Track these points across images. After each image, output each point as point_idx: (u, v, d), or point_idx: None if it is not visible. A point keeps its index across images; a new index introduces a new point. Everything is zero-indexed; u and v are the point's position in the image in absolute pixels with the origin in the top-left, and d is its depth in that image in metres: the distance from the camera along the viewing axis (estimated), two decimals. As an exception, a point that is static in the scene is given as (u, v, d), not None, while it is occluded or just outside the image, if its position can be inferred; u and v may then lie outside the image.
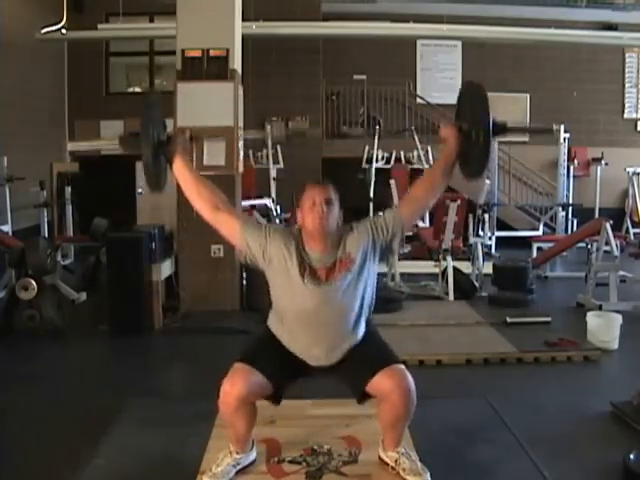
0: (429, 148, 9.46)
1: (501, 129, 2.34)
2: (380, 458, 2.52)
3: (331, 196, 2.27)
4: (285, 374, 2.38)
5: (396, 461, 2.45)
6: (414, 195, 2.41)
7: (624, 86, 11.10)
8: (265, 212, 7.40)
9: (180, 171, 2.44)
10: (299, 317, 2.32)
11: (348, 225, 2.37)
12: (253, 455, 2.54)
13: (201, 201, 2.38)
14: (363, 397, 2.39)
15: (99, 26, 8.72)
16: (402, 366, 2.32)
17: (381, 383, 2.26)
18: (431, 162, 9.33)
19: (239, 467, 2.47)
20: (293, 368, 2.40)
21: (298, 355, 2.38)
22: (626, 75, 11.09)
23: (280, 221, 7.23)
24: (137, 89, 10.92)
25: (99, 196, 8.32)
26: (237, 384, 2.25)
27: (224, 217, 2.37)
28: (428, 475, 2.40)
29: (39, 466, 2.72)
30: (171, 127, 5.26)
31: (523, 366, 4.07)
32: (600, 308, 5.19)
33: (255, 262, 2.35)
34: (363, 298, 2.36)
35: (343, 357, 2.38)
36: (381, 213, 2.40)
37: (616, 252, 5.74)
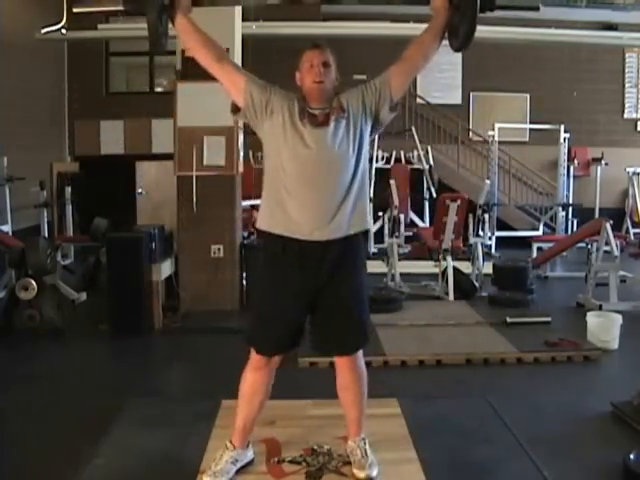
0: (429, 148, 9.47)
1: (489, 3, 2.37)
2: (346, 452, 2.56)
3: (328, 59, 2.31)
4: (293, 327, 2.40)
5: (351, 451, 2.50)
6: (404, 55, 2.42)
7: (624, 86, 11.09)
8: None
9: (183, 25, 2.42)
10: (296, 169, 2.27)
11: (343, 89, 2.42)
12: (250, 454, 2.55)
13: (206, 51, 2.39)
14: None
15: (99, 26, 8.70)
16: (355, 355, 2.45)
17: (337, 361, 2.49)
18: (431, 162, 9.36)
19: (238, 465, 2.47)
20: (296, 305, 2.36)
21: (294, 237, 2.28)
22: (626, 75, 11.08)
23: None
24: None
25: (99, 196, 8.32)
26: (266, 351, 2.38)
27: (229, 68, 2.39)
28: (374, 471, 2.43)
29: (39, 466, 2.72)
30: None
31: (523, 366, 4.07)
32: (600, 308, 5.19)
33: (255, 116, 2.33)
34: (357, 165, 2.32)
35: (338, 258, 2.30)
36: (368, 86, 2.40)
37: (616, 252, 5.74)
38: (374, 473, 2.44)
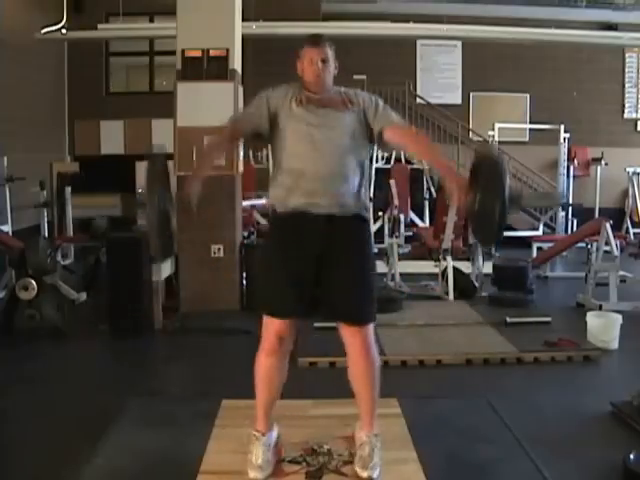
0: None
1: (516, 204, 2.38)
2: (353, 436, 2.55)
3: (327, 55, 2.44)
4: (304, 295, 2.40)
5: (360, 445, 2.48)
6: (396, 138, 2.50)
7: (624, 86, 11.10)
8: (265, 212, 7.40)
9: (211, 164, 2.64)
10: (303, 149, 2.38)
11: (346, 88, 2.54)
12: (276, 432, 2.57)
13: (233, 145, 2.80)
14: None
15: (99, 26, 8.72)
16: (366, 327, 2.43)
17: (343, 333, 2.45)
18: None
19: (271, 448, 2.50)
20: (304, 273, 2.38)
21: (302, 207, 2.36)
22: (626, 75, 11.09)
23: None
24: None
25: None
26: (277, 328, 2.40)
27: (242, 129, 2.55)
28: (375, 472, 2.41)
29: (39, 466, 2.72)
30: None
31: (523, 366, 4.07)
32: (600, 308, 5.19)
33: (270, 129, 2.47)
34: (359, 156, 2.44)
35: (342, 229, 2.38)
36: (379, 105, 2.47)
37: (616, 252, 5.73)
38: (375, 474, 2.42)
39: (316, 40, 2.45)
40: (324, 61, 2.43)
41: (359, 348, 2.43)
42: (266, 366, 2.45)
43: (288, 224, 2.42)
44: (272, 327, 2.41)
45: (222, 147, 2.63)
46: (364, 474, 2.41)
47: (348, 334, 2.44)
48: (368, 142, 2.49)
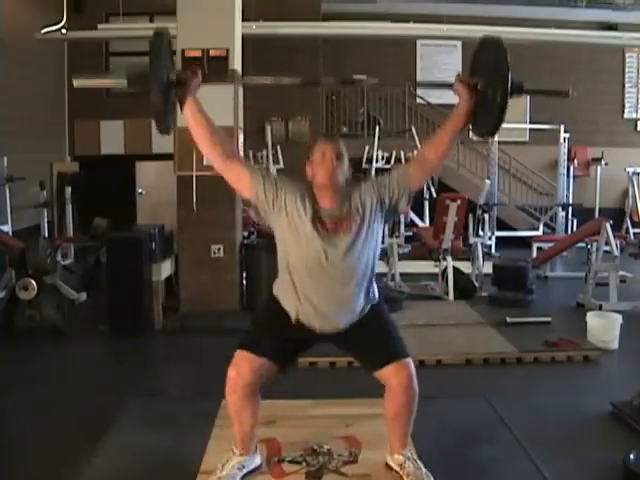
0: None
1: (518, 89, 2.28)
2: (387, 464, 2.49)
3: (341, 151, 2.29)
4: (288, 351, 2.39)
5: (401, 465, 2.43)
6: (424, 157, 2.37)
7: (624, 86, 11.10)
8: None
9: (193, 115, 2.37)
10: (306, 269, 2.28)
11: (355, 182, 2.39)
12: (258, 459, 2.52)
13: (213, 148, 2.32)
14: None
15: (99, 26, 8.72)
16: (407, 360, 2.33)
17: (385, 376, 2.32)
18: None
19: (245, 470, 2.44)
20: (297, 342, 2.38)
21: (303, 323, 2.33)
22: (626, 75, 11.08)
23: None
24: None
25: (99, 196, 8.32)
26: (242, 370, 2.28)
27: (235, 167, 2.33)
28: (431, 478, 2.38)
29: (39, 466, 2.72)
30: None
31: (523, 366, 4.07)
32: (600, 308, 5.19)
33: (263, 212, 2.33)
34: (368, 258, 2.33)
35: (349, 328, 2.35)
36: (388, 173, 2.39)
37: (616, 252, 5.74)
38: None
39: (331, 136, 2.34)
40: (338, 157, 2.26)
41: (404, 382, 2.30)
42: (230, 403, 2.35)
43: (289, 321, 2.35)
44: (235, 363, 2.30)
45: (210, 132, 2.34)
46: None
47: (392, 374, 2.30)
48: (383, 223, 2.38)
